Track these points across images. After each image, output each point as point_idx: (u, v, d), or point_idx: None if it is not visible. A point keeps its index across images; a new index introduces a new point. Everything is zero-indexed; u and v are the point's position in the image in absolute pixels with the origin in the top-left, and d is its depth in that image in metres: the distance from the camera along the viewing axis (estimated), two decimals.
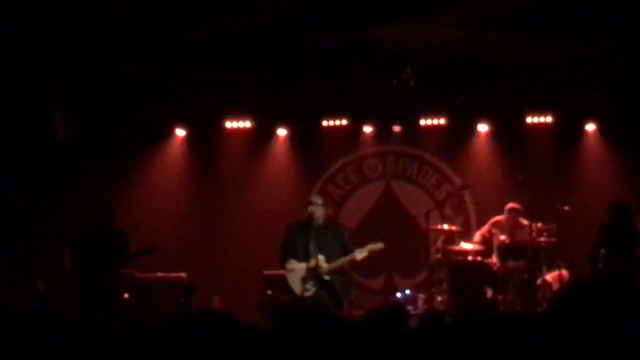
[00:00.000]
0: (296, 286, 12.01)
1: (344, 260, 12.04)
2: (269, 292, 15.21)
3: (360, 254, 12.01)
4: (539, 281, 14.88)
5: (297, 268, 12.02)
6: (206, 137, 18.09)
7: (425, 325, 6.63)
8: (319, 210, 12.17)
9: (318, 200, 12.49)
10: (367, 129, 17.84)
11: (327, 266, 11.93)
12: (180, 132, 18.01)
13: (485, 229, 15.86)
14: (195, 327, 4.53)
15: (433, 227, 15.89)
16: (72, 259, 13.36)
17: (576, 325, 3.00)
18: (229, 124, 18.03)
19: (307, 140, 17.98)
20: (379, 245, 12.22)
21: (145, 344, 5.51)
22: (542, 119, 17.30)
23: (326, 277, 11.92)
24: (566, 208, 15.31)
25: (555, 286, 14.62)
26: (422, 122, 17.64)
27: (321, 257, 11.93)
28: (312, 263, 11.92)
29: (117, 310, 13.40)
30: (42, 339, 5.19)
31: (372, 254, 12.16)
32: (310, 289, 11.91)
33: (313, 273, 11.90)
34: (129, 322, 11.27)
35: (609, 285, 3.10)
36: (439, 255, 15.73)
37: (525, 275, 14.93)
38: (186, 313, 14.11)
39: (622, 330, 2.99)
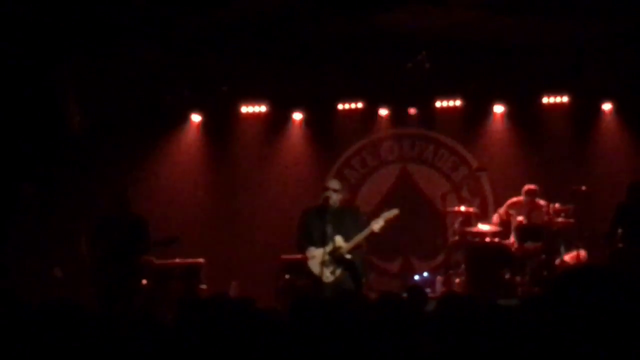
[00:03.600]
0: (318, 271, 11.93)
1: (362, 234, 11.94)
2: (287, 276, 15.21)
3: (376, 224, 11.87)
4: (557, 262, 14.85)
5: (316, 254, 11.94)
6: (222, 122, 18.10)
7: (443, 308, 6.61)
8: (335, 196, 12.10)
9: (335, 185, 12.38)
10: (383, 112, 17.81)
11: (347, 245, 11.85)
12: (195, 118, 18.02)
13: (502, 210, 15.83)
14: (211, 312, 4.54)
15: (450, 209, 15.89)
16: (89, 245, 13.35)
17: (577, 307, 2.99)
18: (244, 109, 18.03)
19: (322, 124, 17.96)
20: (393, 212, 12.07)
21: (160, 331, 5.51)
22: (558, 99, 17.23)
23: (348, 256, 11.87)
24: (583, 188, 15.24)
25: None
26: (438, 104, 17.60)
27: (338, 238, 11.87)
28: (331, 246, 11.84)
29: (136, 297, 13.40)
30: (60, 327, 5.20)
31: (388, 222, 12.02)
32: (332, 273, 11.84)
33: (334, 255, 11.83)
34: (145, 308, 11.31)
35: (613, 270, 3.09)
36: (456, 238, 15.71)
37: (543, 256, 14.90)
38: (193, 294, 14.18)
39: (622, 314, 2.97)
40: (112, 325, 5.82)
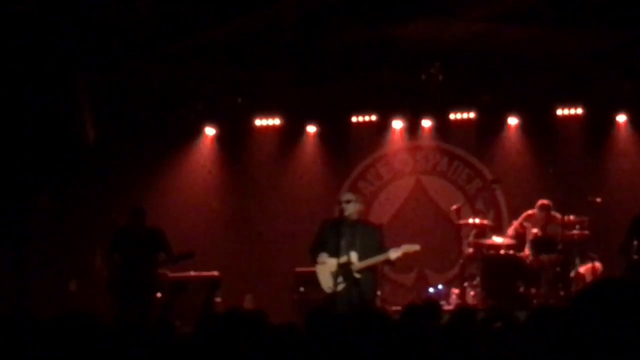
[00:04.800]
0: (325, 280, 11.87)
1: (377, 259, 11.87)
2: (301, 289, 15.20)
3: (394, 254, 11.76)
4: (572, 274, 14.82)
5: (328, 262, 11.88)
6: (236, 135, 18.10)
7: (456, 322, 6.61)
8: (350, 208, 12.02)
9: (348, 197, 12.34)
10: (397, 125, 17.81)
11: (359, 263, 11.77)
12: (210, 131, 18.03)
13: (518, 222, 15.78)
14: (225, 327, 4.54)
15: (464, 221, 15.86)
16: (106, 258, 13.41)
17: (601, 321, 2.98)
18: (258, 122, 18.04)
19: (336, 136, 17.97)
20: (414, 247, 11.96)
21: (175, 344, 5.52)
22: (572, 111, 17.20)
23: (357, 275, 11.79)
24: (598, 200, 15.23)
25: (589, 278, 14.56)
26: (452, 116, 17.59)
27: (353, 254, 11.78)
28: (344, 259, 11.77)
29: (151, 309, 13.43)
30: (75, 340, 5.21)
31: (405, 255, 11.94)
32: (340, 284, 11.77)
33: (344, 269, 11.76)
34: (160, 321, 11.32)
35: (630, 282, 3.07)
36: (470, 250, 15.67)
37: (558, 268, 14.87)
38: (210, 310, 14.17)
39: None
40: (128, 338, 5.83)
